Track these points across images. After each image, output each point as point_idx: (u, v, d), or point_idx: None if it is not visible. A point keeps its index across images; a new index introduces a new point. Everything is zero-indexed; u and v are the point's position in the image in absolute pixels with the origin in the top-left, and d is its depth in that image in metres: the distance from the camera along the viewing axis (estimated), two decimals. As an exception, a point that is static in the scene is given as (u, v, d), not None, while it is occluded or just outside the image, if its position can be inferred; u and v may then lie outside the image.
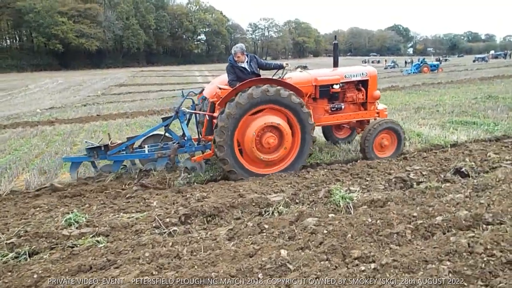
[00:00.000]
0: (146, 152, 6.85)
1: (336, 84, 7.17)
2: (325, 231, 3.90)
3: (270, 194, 5.25)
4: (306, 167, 6.74)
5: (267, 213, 4.71)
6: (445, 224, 3.91)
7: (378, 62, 72.65)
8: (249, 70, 6.73)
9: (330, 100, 7.36)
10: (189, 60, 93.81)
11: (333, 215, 4.42)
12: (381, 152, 7.14)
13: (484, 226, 3.87)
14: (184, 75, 51.29)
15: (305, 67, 7.19)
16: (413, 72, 37.89)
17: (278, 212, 4.70)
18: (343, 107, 7.36)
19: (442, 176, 5.76)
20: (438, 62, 42.67)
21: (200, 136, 7.15)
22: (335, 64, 7.66)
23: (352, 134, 8.73)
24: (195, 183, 6.24)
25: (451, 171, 5.86)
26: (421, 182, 5.53)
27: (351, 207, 4.65)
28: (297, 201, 5.01)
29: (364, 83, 7.47)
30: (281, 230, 4.09)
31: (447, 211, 4.24)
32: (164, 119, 7.13)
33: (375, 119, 7.46)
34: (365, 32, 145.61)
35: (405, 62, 55.86)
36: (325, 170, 6.39)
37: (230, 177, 6.28)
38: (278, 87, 6.14)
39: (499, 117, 10.46)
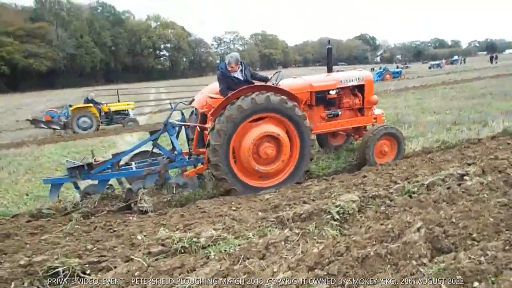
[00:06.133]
0: (134, 169, 6.64)
1: (332, 89, 7.29)
2: None
3: None
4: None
5: None
6: None
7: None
8: (242, 79, 6.67)
9: (326, 107, 7.44)
10: (151, 77, 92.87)
11: None
12: (381, 158, 7.24)
13: None
14: (138, 92, 49.85)
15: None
16: (376, 80, 39.40)
17: None
18: (339, 113, 7.46)
19: None
20: (401, 69, 45.36)
21: (190, 150, 7.02)
22: (329, 70, 7.79)
23: (347, 140, 8.87)
24: None
25: None
26: None
27: None
28: None
29: (360, 88, 7.60)
30: None
31: None
32: (151, 133, 6.93)
33: (373, 125, 7.60)
34: (334, 42, 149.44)
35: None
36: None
37: (222, 186, 6.14)
38: (283, 96, 6.12)
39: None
